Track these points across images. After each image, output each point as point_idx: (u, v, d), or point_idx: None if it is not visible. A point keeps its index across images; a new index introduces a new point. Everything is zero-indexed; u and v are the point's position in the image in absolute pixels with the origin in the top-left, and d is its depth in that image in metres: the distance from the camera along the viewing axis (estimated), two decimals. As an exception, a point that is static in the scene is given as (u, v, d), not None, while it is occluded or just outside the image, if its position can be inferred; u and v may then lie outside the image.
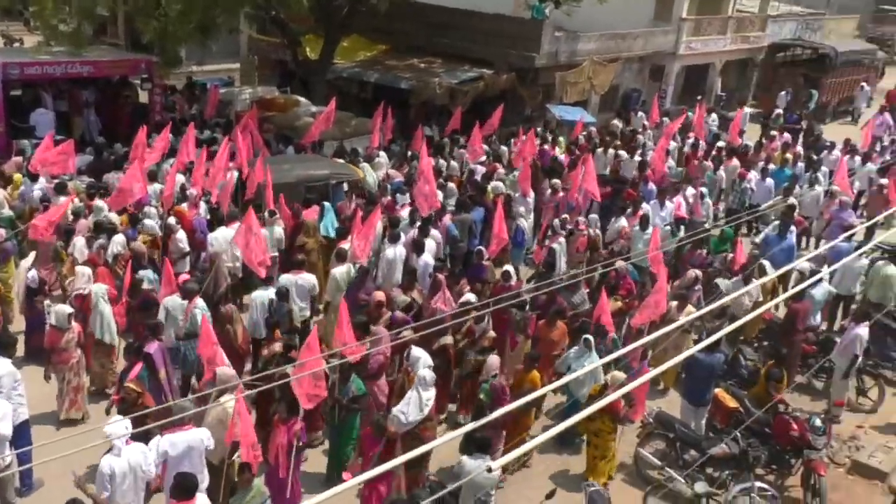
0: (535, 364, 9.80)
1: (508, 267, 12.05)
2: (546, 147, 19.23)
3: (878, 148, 22.38)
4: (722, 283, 12.49)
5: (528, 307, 11.22)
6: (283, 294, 10.59)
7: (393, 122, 19.01)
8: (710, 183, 17.55)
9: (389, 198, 14.71)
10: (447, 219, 13.93)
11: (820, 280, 12.23)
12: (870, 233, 13.81)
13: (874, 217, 13.91)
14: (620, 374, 9.27)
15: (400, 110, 20.75)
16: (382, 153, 17.38)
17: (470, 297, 10.88)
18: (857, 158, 19.68)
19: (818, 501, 9.58)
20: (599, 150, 18.97)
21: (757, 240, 14.98)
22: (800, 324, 11.92)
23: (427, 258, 12.17)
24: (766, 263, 12.43)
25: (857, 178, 18.73)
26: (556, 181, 16.10)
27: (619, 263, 12.33)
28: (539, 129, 21.10)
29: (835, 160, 19.11)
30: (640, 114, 23.80)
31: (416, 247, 12.25)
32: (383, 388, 9.59)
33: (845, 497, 10.10)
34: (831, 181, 17.31)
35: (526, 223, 14.74)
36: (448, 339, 10.28)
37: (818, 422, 9.79)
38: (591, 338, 10.05)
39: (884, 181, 17.71)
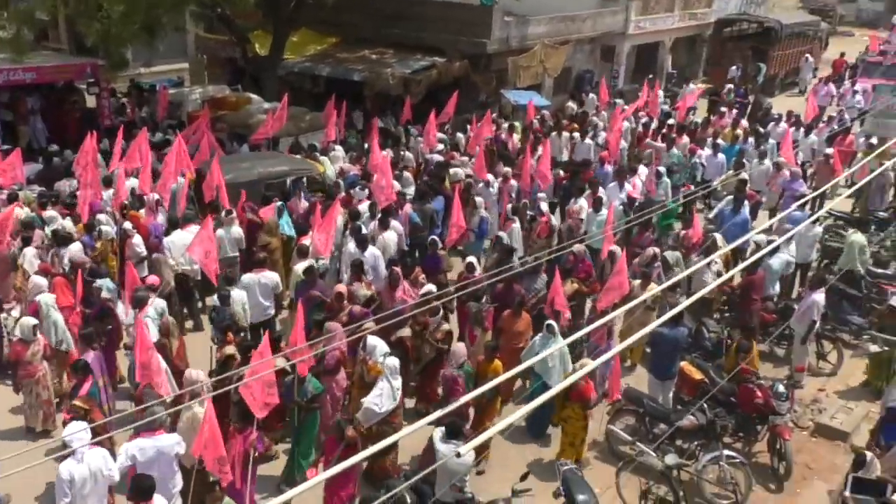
0: (495, 354, 9.76)
1: (472, 258, 12.02)
2: (502, 133, 19.32)
3: (825, 118, 22.83)
4: (670, 255, 12.69)
5: (485, 298, 11.22)
6: (224, 298, 10.44)
7: (347, 115, 18.92)
8: (680, 163, 17.64)
9: (344, 193, 14.68)
10: (408, 208, 13.94)
11: (777, 250, 12.49)
12: (820, 201, 14.14)
13: (822, 187, 14.19)
14: (590, 362, 9.31)
15: (357, 103, 20.70)
16: (338, 147, 17.32)
17: (430, 287, 10.85)
18: (802, 130, 20.03)
19: (784, 465, 9.84)
20: (554, 133, 19.08)
21: (711, 215, 15.21)
22: (755, 294, 12.17)
23: (374, 250, 12.01)
24: (719, 237, 12.66)
25: (800, 150, 19.04)
26: (507, 168, 16.09)
27: (577, 247, 12.41)
28: (494, 115, 21.20)
29: (782, 133, 19.40)
30: (590, 95, 23.94)
31: (359, 241, 11.97)
32: (341, 382, 9.54)
33: (810, 458, 10.38)
34: (778, 154, 17.59)
35: (488, 213, 14.56)
36: (406, 332, 10.27)
37: (781, 388, 10.02)
38: (553, 323, 10.09)
39: (829, 151, 18.01)
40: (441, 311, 10.47)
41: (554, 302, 10.87)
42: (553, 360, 9.79)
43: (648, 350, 11.16)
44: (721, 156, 17.91)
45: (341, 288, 10.79)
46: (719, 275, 12.03)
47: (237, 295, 10.66)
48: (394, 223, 13.22)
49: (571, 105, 23.23)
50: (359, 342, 9.65)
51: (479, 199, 14.49)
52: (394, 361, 9.10)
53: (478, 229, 14.09)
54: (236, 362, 9.03)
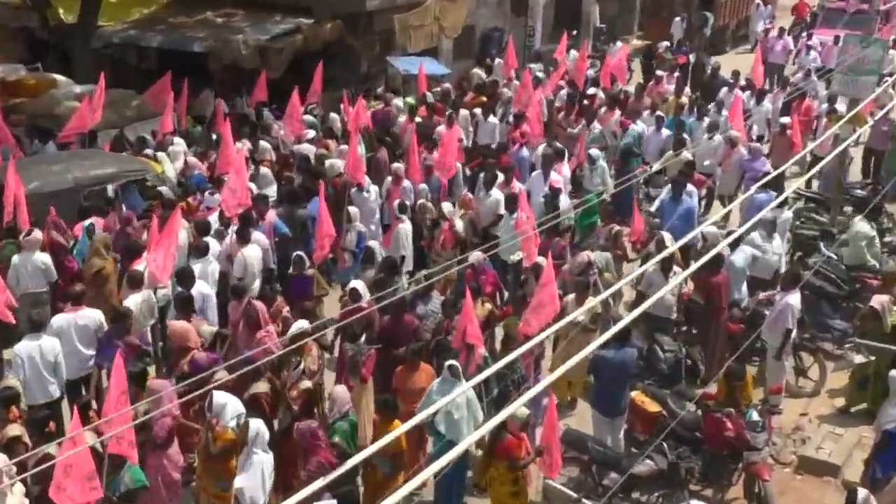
0: (394, 413, 9.47)
1: (357, 283, 11.65)
2: (395, 112, 19.20)
3: (796, 78, 23.37)
4: (598, 257, 12.86)
5: (363, 338, 10.87)
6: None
7: (188, 97, 18.48)
8: (599, 143, 17.92)
9: (197, 197, 14.30)
10: (271, 215, 13.69)
11: (738, 243, 12.80)
12: (780, 183, 14.59)
13: (782, 165, 14.59)
14: (523, 410, 9.23)
15: (203, 81, 20.23)
16: (178, 139, 16.92)
17: (302, 324, 10.50)
18: (753, 96, 20.62)
19: (766, 512, 10.06)
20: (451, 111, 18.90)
21: (653, 208, 15.45)
22: (723, 301, 12.46)
23: (202, 287, 11.61)
24: (667, 236, 12.89)
25: (754, 122, 19.60)
26: (398, 166, 15.73)
27: (474, 255, 12.26)
28: (380, 89, 21.09)
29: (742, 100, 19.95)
30: (497, 60, 24.04)
31: (182, 278, 11.56)
32: (175, 458, 9.14)
33: (795, 501, 10.65)
34: (730, 126, 17.96)
35: (365, 227, 14.20)
36: (262, 387, 9.92)
37: (755, 415, 10.26)
38: (456, 364, 9.84)
39: (786, 120, 18.45)
40: (300, 363, 10.12)
41: (466, 333, 10.54)
42: (459, 411, 9.63)
43: (591, 380, 11.22)
44: (665, 132, 18.36)
45: (183, 329, 10.43)
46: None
47: (45, 346, 10.18)
48: (256, 235, 12.93)
49: (479, 72, 23.38)
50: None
51: (352, 210, 14.06)
52: (257, 426, 8.84)
53: (356, 248, 13.66)
54: (24, 447, 8.63)
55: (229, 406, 9.05)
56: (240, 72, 21.00)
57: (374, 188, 15.14)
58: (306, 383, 9.87)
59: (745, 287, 13.29)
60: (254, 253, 12.62)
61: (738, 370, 10.68)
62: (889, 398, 10.26)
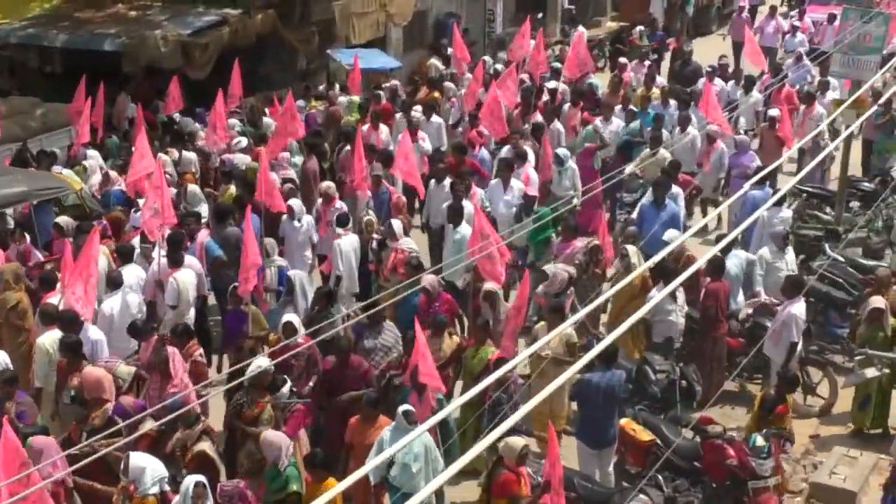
0: (327, 471, 9.45)
1: (291, 317, 11.57)
2: (337, 111, 19.29)
3: (787, 64, 23.60)
4: (551, 269, 13.03)
5: (287, 385, 10.65)
6: None
7: (103, 104, 18.45)
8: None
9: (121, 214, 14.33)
10: (203, 235, 13.74)
11: (732, 247, 13.01)
12: (770, 181, 14.82)
13: (771, 161, 14.80)
14: (518, 441, 9.44)
15: (119, 84, 20.21)
16: (93, 151, 16.90)
17: (262, 362, 10.42)
18: (737, 85, 20.89)
19: (775, 549, 10.27)
20: (400, 114, 18.93)
21: (634, 214, 15.49)
22: (722, 311, 12.67)
23: (90, 333, 11.42)
24: (632, 250, 13.06)
25: (742, 113, 19.67)
26: (328, 185, 15.35)
27: (427, 279, 12.27)
28: (322, 87, 21.19)
29: (718, 91, 20.02)
30: (448, 49, 24.04)
31: (62, 322, 11.36)
32: None
33: (808, 535, 10.90)
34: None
35: (291, 262, 13.92)
36: (204, 445, 9.89)
37: (760, 440, 10.45)
38: (412, 409, 9.86)
39: (774, 112, 18.67)
40: (200, 418, 10.07)
41: (419, 372, 10.46)
42: (417, 462, 9.69)
43: (574, 408, 11.38)
44: (634, 125, 18.55)
45: (95, 375, 10.26)
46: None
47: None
48: (189, 259, 12.98)
49: (436, 63, 23.52)
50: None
51: (270, 243, 13.72)
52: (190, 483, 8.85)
53: (278, 287, 13.49)
54: None
55: (149, 469, 9.06)
56: (160, 73, 20.98)
57: (307, 218, 14.68)
58: (202, 445, 9.81)
59: (741, 296, 13.55)
60: (187, 278, 12.64)
61: (774, 398, 10.84)
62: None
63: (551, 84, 21.01)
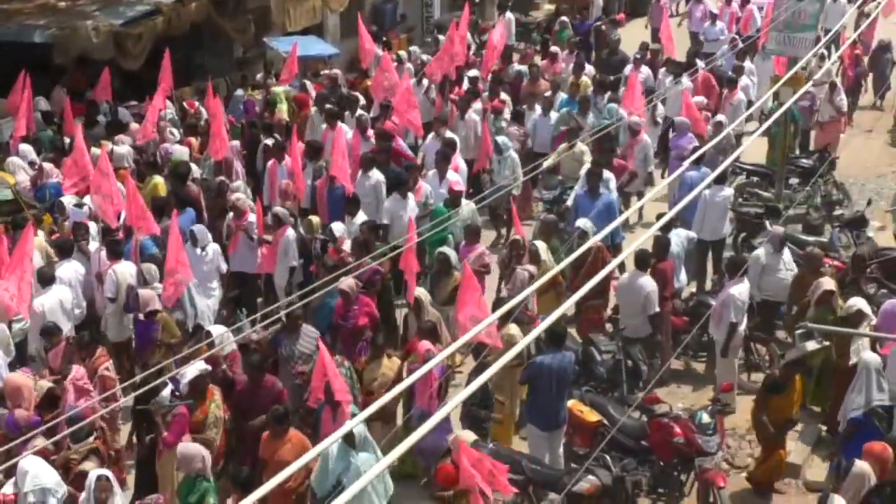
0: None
1: (216, 328, 11.40)
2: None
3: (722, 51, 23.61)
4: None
5: (169, 388, 10.34)
6: None
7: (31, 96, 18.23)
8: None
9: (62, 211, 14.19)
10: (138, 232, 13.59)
11: (670, 225, 13.18)
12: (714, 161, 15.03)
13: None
14: (469, 435, 9.55)
15: (49, 76, 19.96)
16: (25, 146, 16.70)
17: (200, 365, 10.28)
18: (664, 72, 20.79)
19: (723, 522, 10.47)
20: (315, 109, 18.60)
21: (570, 202, 15.47)
22: (668, 289, 12.90)
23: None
24: (541, 246, 13.04)
25: (668, 100, 19.49)
26: (238, 196, 14.36)
27: (345, 282, 11.77)
28: (259, 76, 21.08)
29: (644, 79, 20.06)
30: (401, 35, 24.26)
31: None
32: None
33: (755, 508, 11.12)
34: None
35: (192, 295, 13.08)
36: (90, 465, 9.63)
37: (705, 417, 10.68)
38: (361, 430, 9.64)
39: (700, 99, 18.75)
40: (91, 435, 9.83)
41: (332, 389, 10.16)
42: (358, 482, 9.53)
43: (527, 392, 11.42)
44: (555, 115, 18.39)
45: (10, 379, 10.14)
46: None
47: None
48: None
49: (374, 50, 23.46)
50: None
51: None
52: None
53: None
54: None
55: (30, 476, 8.95)
56: (93, 64, 20.76)
57: (213, 247, 13.71)
58: (86, 465, 9.59)
59: (683, 274, 13.77)
60: (126, 269, 12.58)
61: (781, 379, 11.05)
62: (853, 384, 10.69)
63: (472, 72, 20.71)
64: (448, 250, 13.08)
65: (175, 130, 17.61)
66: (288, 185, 15.11)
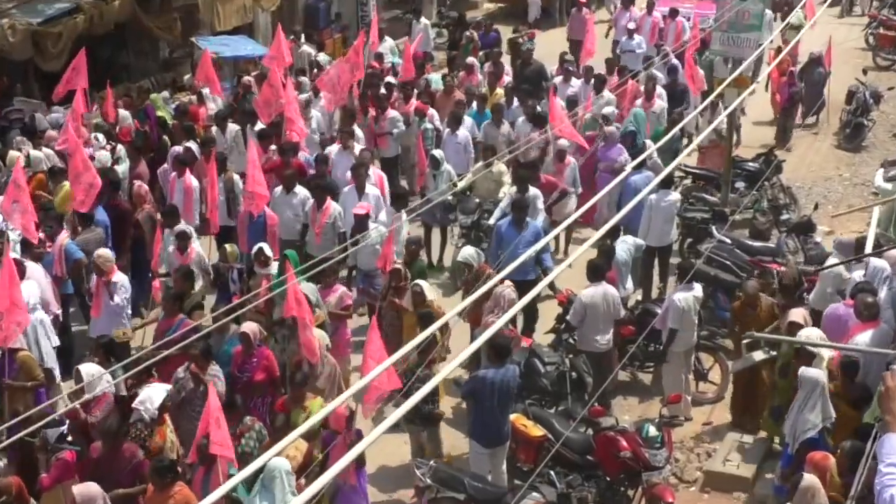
0: None
1: (84, 366, 10.79)
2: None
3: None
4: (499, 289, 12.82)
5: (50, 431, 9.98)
6: None
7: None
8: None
9: None
10: (62, 237, 13.47)
11: (617, 232, 13.18)
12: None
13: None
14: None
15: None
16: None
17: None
18: (583, 83, 20.11)
19: (671, 538, 10.43)
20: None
21: (493, 222, 14.71)
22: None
23: None
24: (425, 286, 12.47)
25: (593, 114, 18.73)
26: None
27: (248, 326, 11.37)
28: (187, 77, 20.87)
29: (576, 92, 19.77)
30: (302, 47, 23.30)
31: None
32: None
33: (704, 524, 11.12)
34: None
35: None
36: None
37: (652, 430, 10.65)
38: (280, 467, 9.34)
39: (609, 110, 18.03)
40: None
41: (209, 441, 9.51)
42: None
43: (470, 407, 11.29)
44: (462, 133, 17.38)
45: None
46: None
47: None
48: (33, 268, 12.61)
49: (308, 50, 23.28)
50: None
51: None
52: None
53: None
54: None
55: None
56: (11, 65, 20.43)
57: (122, 278, 12.99)
58: None
59: (629, 282, 13.75)
60: (30, 290, 11.99)
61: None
62: (800, 402, 10.57)
63: (389, 79, 20.30)
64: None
65: (100, 136, 17.35)
66: (140, 186, 14.96)
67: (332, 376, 11.47)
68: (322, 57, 22.77)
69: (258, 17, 24.87)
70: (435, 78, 20.96)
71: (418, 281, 12.50)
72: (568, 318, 12.46)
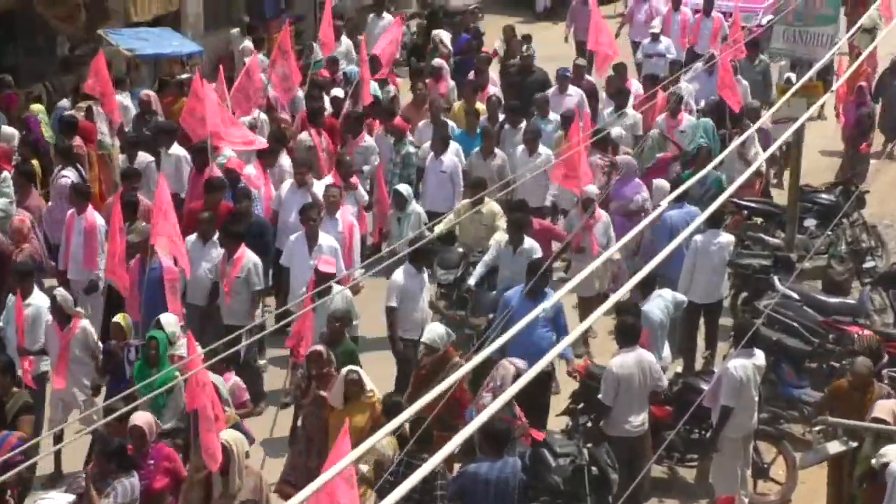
0: None
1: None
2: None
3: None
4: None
5: None
6: None
7: None
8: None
9: None
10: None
11: (651, 287, 13.13)
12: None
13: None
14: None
15: None
16: None
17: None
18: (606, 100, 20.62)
19: None
20: None
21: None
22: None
23: None
24: (363, 374, 12.31)
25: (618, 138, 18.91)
26: (29, 245, 14.54)
27: (141, 417, 11.22)
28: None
29: (572, 104, 19.91)
30: (243, 44, 23.58)
31: None
32: None
33: None
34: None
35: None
36: None
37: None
38: None
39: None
40: None
41: None
42: None
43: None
44: (448, 159, 17.48)
45: None
46: None
47: None
48: None
49: (249, 46, 23.34)
50: None
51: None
52: None
53: None
54: None
55: None
56: None
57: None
58: None
59: (666, 349, 13.65)
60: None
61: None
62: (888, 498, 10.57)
63: (336, 91, 20.31)
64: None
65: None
66: (22, 220, 15.04)
67: (256, 489, 11.20)
68: (260, 57, 22.72)
69: (186, 5, 24.87)
70: (374, 86, 20.59)
71: (353, 367, 12.24)
72: (599, 396, 12.34)
